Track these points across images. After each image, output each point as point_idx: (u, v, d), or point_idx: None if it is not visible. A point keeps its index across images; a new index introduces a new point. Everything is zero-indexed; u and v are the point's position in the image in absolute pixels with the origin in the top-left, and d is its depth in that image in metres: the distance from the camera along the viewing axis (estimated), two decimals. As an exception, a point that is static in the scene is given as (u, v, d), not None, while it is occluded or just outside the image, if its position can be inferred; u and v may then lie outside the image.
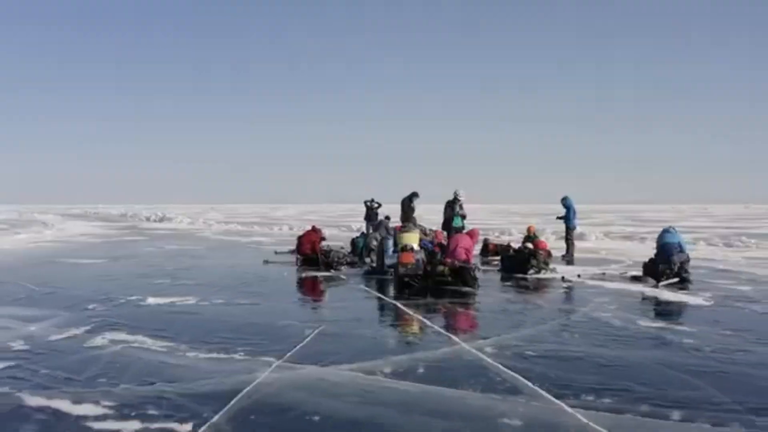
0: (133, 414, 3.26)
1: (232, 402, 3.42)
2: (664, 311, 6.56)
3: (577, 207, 12.65)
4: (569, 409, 3.32)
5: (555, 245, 13.24)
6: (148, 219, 42.57)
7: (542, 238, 13.51)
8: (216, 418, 3.18)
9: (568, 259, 12.02)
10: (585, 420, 3.17)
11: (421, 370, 4.13)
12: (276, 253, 13.21)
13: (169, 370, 4.11)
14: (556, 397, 3.52)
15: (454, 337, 5.11)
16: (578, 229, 17.76)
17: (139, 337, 5.09)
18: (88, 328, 5.51)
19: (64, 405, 3.41)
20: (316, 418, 3.22)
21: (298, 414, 3.28)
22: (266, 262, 11.61)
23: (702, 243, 15.35)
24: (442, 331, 5.41)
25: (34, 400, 3.51)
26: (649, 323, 5.70)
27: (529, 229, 11.74)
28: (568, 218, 12.44)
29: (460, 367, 4.23)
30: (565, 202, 12.56)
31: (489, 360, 4.34)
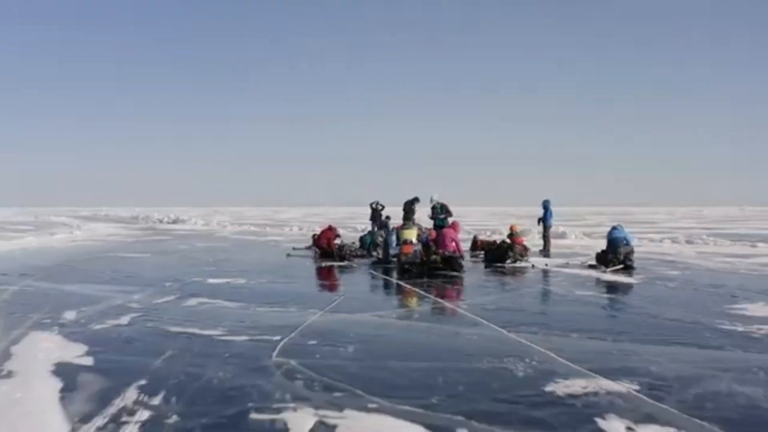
0: (241, 333, 5.36)
1: (299, 329, 5.51)
2: (600, 286, 8.63)
3: (559, 209, 14.70)
4: (506, 332, 5.41)
5: (538, 242, 15.32)
6: (161, 221, 44.48)
7: (527, 237, 15.61)
8: (292, 334, 5.27)
9: (545, 253, 14.06)
10: (515, 337, 5.25)
11: (416, 315, 6.26)
12: (294, 249, 15.30)
13: (250, 317, 6.21)
14: (500, 327, 5.61)
15: (440, 300, 7.22)
16: (561, 229, 19.97)
17: (218, 301, 7.19)
18: (177, 296, 7.61)
19: (195, 330, 5.51)
20: (351, 335, 5.31)
21: (339, 334, 5.37)
22: (289, 255, 13.73)
23: (667, 241, 17.42)
24: (432, 297, 7.51)
25: (174, 329, 5.61)
26: (583, 292, 7.81)
27: (511, 228, 13.76)
28: (545, 218, 14.49)
29: (442, 314, 6.35)
30: (544, 204, 14.62)
31: (462, 311, 6.44)
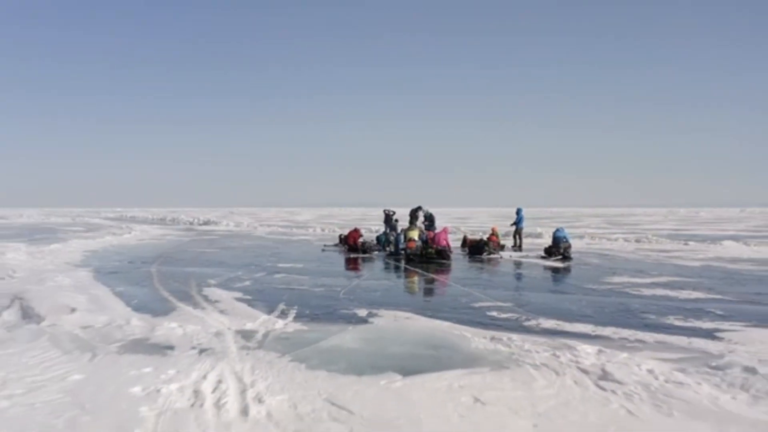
0: (318, 287, 9.83)
1: (349, 286, 9.98)
2: (538, 269, 12.98)
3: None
4: (463, 287, 9.84)
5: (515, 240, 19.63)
6: (191, 223, 48.93)
7: (509, 237, 19.86)
8: (346, 288, 9.74)
9: (518, 249, 18.39)
10: (467, 289, 9.66)
11: (415, 281, 10.72)
12: (326, 245, 19.76)
13: (319, 282, 10.68)
14: (461, 286, 10.04)
15: (433, 275, 11.66)
16: (538, 230, 24.30)
17: (294, 275, 11.66)
18: (265, 273, 12.08)
19: (294, 287, 9.98)
20: (377, 288, 9.78)
21: (371, 288, 9.84)
22: (324, 249, 18.21)
23: (621, 239, 21.70)
24: (427, 274, 11.95)
25: (281, 286, 10.08)
26: (523, 272, 12.21)
27: (492, 229, 18.14)
28: (518, 222, 18.81)
29: (430, 281, 10.81)
30: (517, 211, 18.95)
31: (443, 279, 10.89)
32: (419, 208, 18.81)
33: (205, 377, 4.47)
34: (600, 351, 4.98)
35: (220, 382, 4.36)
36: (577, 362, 4.61)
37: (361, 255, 16.37)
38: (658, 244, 20.36)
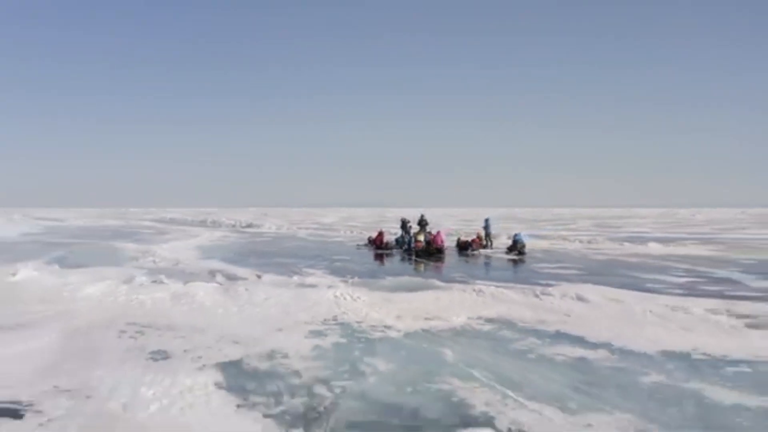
0: (364, 265, 17.58)
1: (382, 267, 17.72)
2: (498, 261, 20.50)
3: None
4: (446, 268, 17.50)
5: (499, 242, 27.08)
6: (233, 226, 56.23)
7: (493, 239, 27.39)
8: (381, 268, 17.46)
9: (490, 247, 25.81)
10: (449, 270, 17.31)
11: (421, 266, 18.46)
12: (358, 245, 27.47)
13: (364, 266, 18.43)
14: (448, 267, 17.70)
15: (431, 263, 19.36)
16: (514, 232, 31.71)
17: (345, 264, 19.40)
18: (328, 262, 19.82)
19: (350, 267, 17.74)
20: (397, 267, 17.52)
21: (394, 268, 17.61)
22: (357, 248, 25.96)
23: (577, 241, 29.05)
24: (428, 263, 19.61)
25: (341, 267, 17.84)
26: (487, 261, 19.83)
27: (477, 233, 25.68)
28: (487, 228, 26.24)
29: (431, 267, 18.54)
30: (485, 219, 26.44)
31: (436, 265, 18.59)
32: (422, 215, 26.56)
33: (336, 292, 12.15)
34: (487, 286, 12.60)
35: (342, 294, 12.04)
36: (473, 289, 12.25)
37: (385, 252, 24.08)
38: (601, 244, 27.63)
